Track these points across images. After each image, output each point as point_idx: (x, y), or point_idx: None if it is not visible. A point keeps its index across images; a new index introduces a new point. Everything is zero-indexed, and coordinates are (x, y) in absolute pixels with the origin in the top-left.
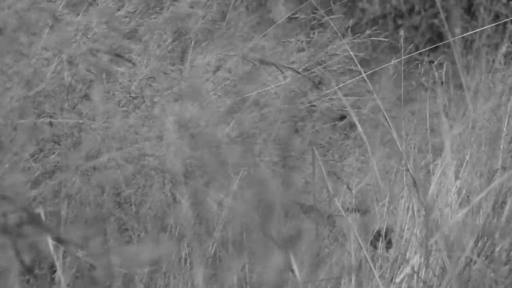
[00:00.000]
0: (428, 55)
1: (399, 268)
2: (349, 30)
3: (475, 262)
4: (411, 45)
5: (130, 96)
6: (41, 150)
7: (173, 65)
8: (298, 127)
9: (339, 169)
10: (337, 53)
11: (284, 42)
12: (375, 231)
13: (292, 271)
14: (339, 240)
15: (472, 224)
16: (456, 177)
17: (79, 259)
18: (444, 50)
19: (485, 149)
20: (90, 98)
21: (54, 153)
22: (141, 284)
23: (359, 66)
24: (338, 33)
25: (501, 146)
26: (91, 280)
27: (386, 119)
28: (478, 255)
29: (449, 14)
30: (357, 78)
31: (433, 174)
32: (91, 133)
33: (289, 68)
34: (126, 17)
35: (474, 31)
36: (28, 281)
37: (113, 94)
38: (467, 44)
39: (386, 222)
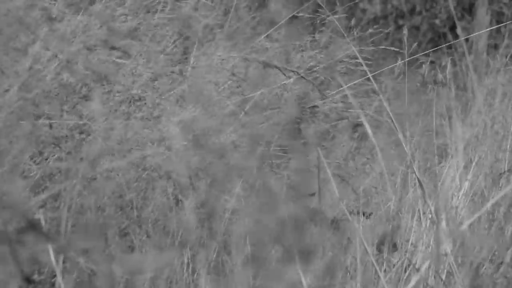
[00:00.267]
0: (429, 56)
1: (405, 271)
2: (353, 29)
3: (485, 268)
4: (415, 44)
5: (132, 98)
6: (40, 153)
7: (175, 66)
8: (302, 128)
9: (344, 171)
10: (340, 53)
11: (287, 43)
12: (380, 234)
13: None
14: (343, 243)
15: (483, 229)
16: (465, 179)
17: (80, 265)
18: (445, 51)
19: (491, 150)
20: (90, 99)
21: (54, 155)
22: None
23: (364, 67)
24: (344, 33)
25: (508, 147)
26: (91, 286)
27: (392, 121)
28: (491, 261)
29: (450, 15)
30: (362, 78)
31: (439, 176)
32: (92, 134)
33: (292, 70)
34: (126, 15)
35: (476, 33)
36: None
37: (114, 96)
38: (468, 44)
39: (391, 225)
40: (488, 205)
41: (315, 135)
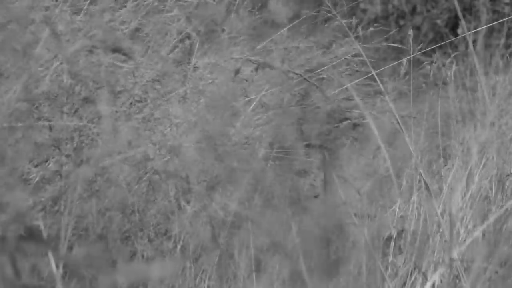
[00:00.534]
0: (430, 56)
1: (411, 275)
2: (355, 29)
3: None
4: (420, 44)
5: (134, 99)
6: (40, 155)
7: (177, 67)
8: (304, 129)
9: (346, 172)
10: (343, 53)
11: (288, 43)
12: (385, 237)
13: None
14: (347, 246)
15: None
16: (472, 182)
17: (80, 272)
18: (447, 51)
19: (499, 153)
20: (90, 101)
21: (54, 158)
22: None
23: (370, 67)
24: (349, 32)
25: None
26: None
27: (398, 122)
28: (500, 266)
29: (451, 15)
30: (363, 78)
31: (445, 178)
32: (92, 137)
33: (295, 73)
34: (126, 16)
35: (476, 29)
36: None
37: (116, 97)
38: (468, 44)
39: (396, 228)
40: (500, 212)
41: (317, 136)
